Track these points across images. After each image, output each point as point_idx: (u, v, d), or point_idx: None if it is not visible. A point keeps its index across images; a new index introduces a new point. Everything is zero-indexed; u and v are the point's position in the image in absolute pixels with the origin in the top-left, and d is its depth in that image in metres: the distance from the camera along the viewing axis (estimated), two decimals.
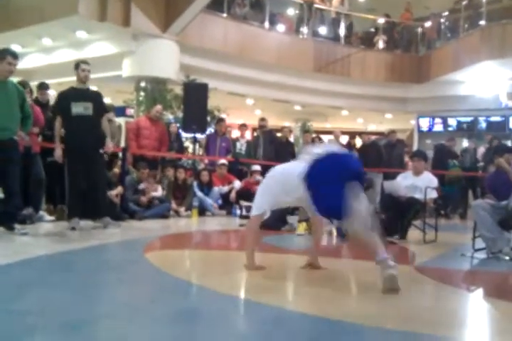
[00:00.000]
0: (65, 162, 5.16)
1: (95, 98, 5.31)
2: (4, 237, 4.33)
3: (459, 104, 12.99)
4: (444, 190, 6.31)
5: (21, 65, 4.74)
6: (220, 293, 2.62)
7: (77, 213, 5.14)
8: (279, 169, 3.27)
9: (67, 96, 5.20)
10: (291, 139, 11.45)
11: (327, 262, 3.42)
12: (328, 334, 2.04)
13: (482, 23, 11.51)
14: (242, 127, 9.31)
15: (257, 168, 8.27)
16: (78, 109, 5.10)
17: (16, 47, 10.60)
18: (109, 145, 5.42)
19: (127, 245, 4.43)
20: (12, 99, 4.47)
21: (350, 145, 9.53)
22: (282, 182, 3.10)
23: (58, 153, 5.11)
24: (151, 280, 3.01)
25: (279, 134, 9.70)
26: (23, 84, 5.41)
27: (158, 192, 6.95)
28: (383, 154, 9.35)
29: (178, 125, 8.61)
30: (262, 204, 3.17)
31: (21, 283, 2.69)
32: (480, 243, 4.36)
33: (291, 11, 14.16)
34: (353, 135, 10.60)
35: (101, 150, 5.39)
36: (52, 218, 5.74)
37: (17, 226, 4.53)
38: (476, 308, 2.78)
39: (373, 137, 10.01)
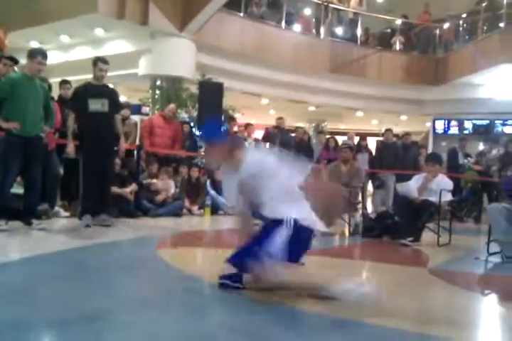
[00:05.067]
0: (79, 158, 5.15)
1: (111, 95, 5.28)
2: (22, 232, 4.39)
3: (476, 107, 12.84)
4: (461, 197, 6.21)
5: None
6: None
7: (90, 210, 5.12)
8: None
9: (84, 93, 5.14)
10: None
11: (339, 263, 3.41)
12: (339, 333, 2.05)
13: (501, 25, 11.37)
14: (249, 126, 9.25)
15: None
16: (95, 105, 5.06)
17: (34, 44, 10.73)
18: (123, 145, 5.43)
19: (140, 242, 4.47)
20: (39, 96, 4.53)
21: (359, 146, 9.46)
22: None
23: (70, 148, 5.09)
24: (162, 276, 3.03)
25: (293, 134, 9.68)
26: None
27: (172, 189, 6.97)
28: (400, 156, 9.30)
29: (191, 124, 8.64)
30: None
31: (38, 277, 2.74)
32: (495, 247, 4.33)
33: (308, 11, 14.12)
34: (363, 136, 10.47)
35: (115, 148, 5.39)
36: (67, 214, 5.80)
37: (34, 221, 4.59)
38: (489, 311, 2.75)
39: (394, 138, 9.87)
